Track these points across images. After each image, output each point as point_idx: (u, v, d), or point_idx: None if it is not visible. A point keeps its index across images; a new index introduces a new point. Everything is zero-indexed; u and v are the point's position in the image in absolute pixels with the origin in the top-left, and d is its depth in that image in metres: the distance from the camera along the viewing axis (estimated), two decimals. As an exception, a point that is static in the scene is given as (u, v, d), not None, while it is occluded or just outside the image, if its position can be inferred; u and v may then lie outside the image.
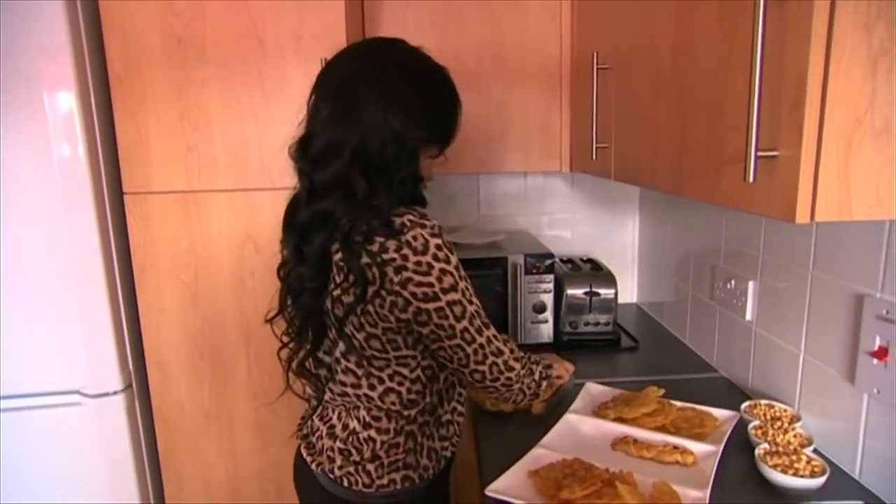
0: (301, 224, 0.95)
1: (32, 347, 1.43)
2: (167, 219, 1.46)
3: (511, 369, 0.99)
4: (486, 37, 1.61)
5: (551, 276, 1.67)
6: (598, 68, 1.32)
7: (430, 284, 0.88)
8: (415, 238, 0.87)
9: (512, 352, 1.00)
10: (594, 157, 1.36)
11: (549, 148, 1.68)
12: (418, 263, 0.87)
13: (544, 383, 1.09)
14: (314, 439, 1.07)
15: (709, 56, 0.84)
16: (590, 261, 1.88)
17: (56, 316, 1.42)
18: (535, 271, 1.66)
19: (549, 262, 1.66)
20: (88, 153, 1.38)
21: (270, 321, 1.03)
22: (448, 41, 1.60)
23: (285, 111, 1.40)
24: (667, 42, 0.98)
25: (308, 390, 1.10)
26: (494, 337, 0.96)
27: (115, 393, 1.48)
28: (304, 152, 0.94)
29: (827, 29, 0.63)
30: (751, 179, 0.67)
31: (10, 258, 1.38)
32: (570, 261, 1.89)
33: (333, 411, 1.05)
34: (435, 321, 0.90)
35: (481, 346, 0.94)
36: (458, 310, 0.90)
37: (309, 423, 1.10)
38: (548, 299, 1.68)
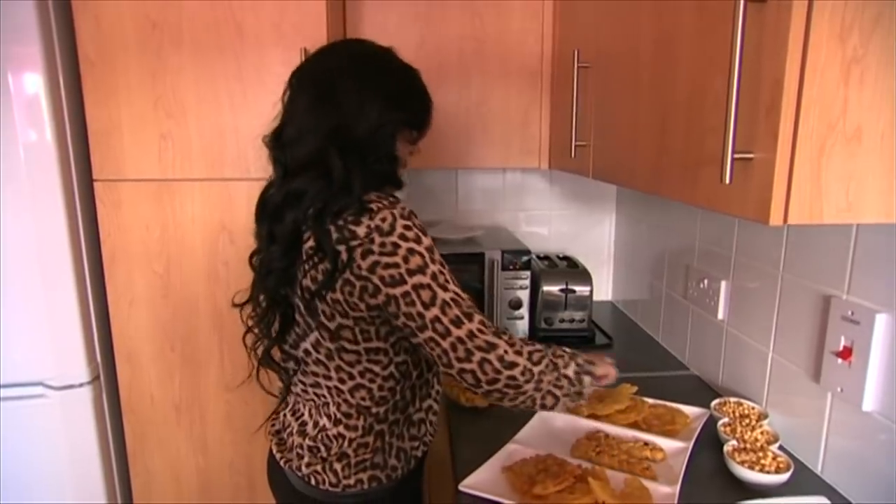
0: (273, 203, 0.94)
1: (-5, 337, 1.39)
2: (139, 207, 1.44)
3: (512, 366, 0.86)
4: (468, 31, 1.61)
5: (528, 273, 1.68)
6: (578, 66, 1.33)
7: (396, 265, 0.84)
8: (383, 220, 0.86)
9: (512, 345, 0.88)
10: (573, 154, 1.37)
11: (529, 145, 1.69)
12: (383, 245, 0.85)
13: (586, 379, 0.95)
14: (285, 435, 1.06)
15: (689, 57, 0.85)
16: (566, 258, 1.90)
17: (20, 304, 1.38)
18: (511, 267, 1.67)
19: (525, 258, 1.68)
20: (56, 138, 1.35)
21: (240, 306, 1.02)
22: (430, 34, 1.60)
23: (263, 100, 1.38)
24: (647, 42, 0.99)
25: (277, 384, 1.09)
26: (480, 330, 0.86)
27: (81, 385, 1.45)
28: (279, 139, 0.94)
29: (803, 36, 0.64)
30: (727, 181, 0.69)
31: (-28, 244, 1.34)
32: (546, 258, 1.90)
33: (305, 406, 1.04)
34: (403, 309, 0.85)
35: (460, 340, 0.85)
36: (426, 295, 0.84)
37: (281, 417, 1.09)
38: (524, 296, 1.69)
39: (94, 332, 1.47)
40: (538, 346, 0.92)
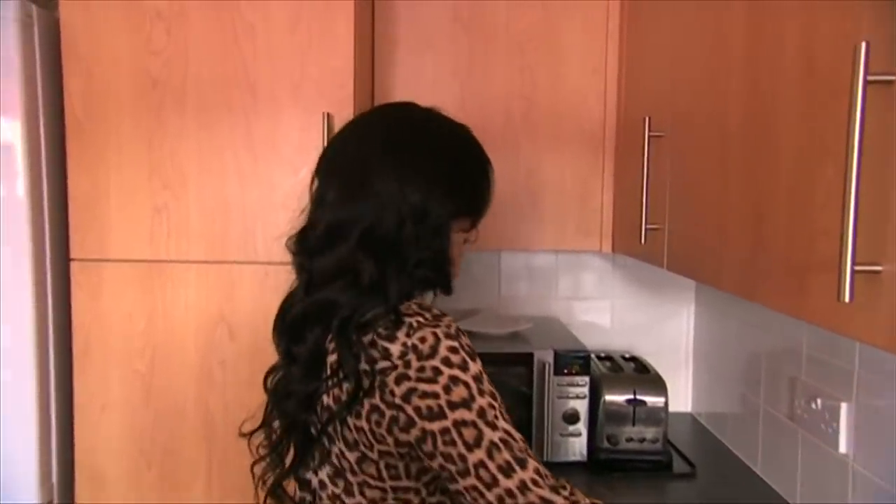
0: (293, 319, 0.96)
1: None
2: (122, 293, 1.46)
3: None
4: (516, 89, 1.66)
5: (586, 379, 1.65)
6: (650, 135, 1.35)
7: (435, 395, 0.84)
8: (422, 340, 0.87)
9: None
10: (643, 239, 1.37)
11: (588, 223, 1.69)
12: (422, 369, 0.85)
13: None
14: None
15: (791, 136, 0.85)
16: (633, 359, 1.86)
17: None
18: (566, 372, 1.64)
19: (583, 360, 1.65)
20: (31, 206, 1.38)
21: (248, 436, 1.02)
22: (471, 94, 1.65)
23: (276, 171, 1.43)
24: (737, 113, 1.00)
25: None
26: (535, 481, 0.82)
27: (28, 512, 1.41)
28: (304, 242, 0.97)
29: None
30: (846, 298, 0.67)
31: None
32: (608, 358, 1.87)
33: None
34: (441, 449, 0.84)
35: (509, 492, 0.81)
36: (469, 434, 0.83)
37: None
38: (581, 407, 1.65)
39: (52, 444, 1.45)
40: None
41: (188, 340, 1.48)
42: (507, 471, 0.82)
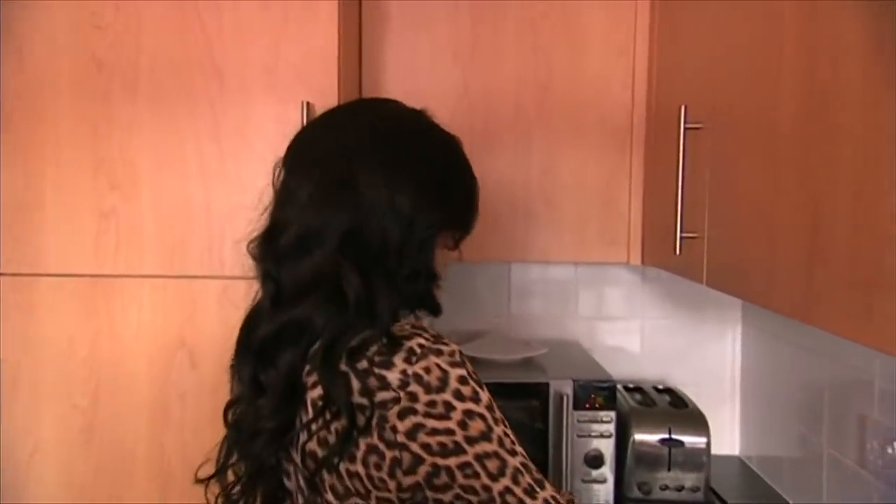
0: (262, 340, 0.96)
1: None
2: (61, 313, 1.46)
3: None
4: (528, 74, 1.66)
5: (612, 414, 1.66)
6: (686, 127, 1.35)
7: (450, 432, 0.87)
8: (427, 370, 0.88)
9: None
10: (678, 250, 1.37)
11: (613, 230, 1.70)
12: (432, 404, 0.87)
13: None
14: None
15: (854, 127, 0.84)
16: (668, 390, 1.86)
17: None
18: (588, 405, 1.65)
19: (608, 391, 1.65)
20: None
21: (205, 482, 1.02)
22: (475, 79, 1.65)
23: (247, 169, 1.42)
24: (789, 103, 1.00)
25: None
26: (555, 499, 0.91)
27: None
28: (270, 246, 0.97)
29: None
30: (923, 321, 0.67)
31: None
32: (638, 389, 1.87)
33: None
34: (461, 482, 0.88)
35: None
36: (493, 465, 0.89)
37: None
38: (606, 447, 1.66)
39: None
40: None
41: (140, 370, 1.48)
42: (532, 492, 0.89)
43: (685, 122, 1.35)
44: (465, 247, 1.13)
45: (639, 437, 1.67)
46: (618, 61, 1.67)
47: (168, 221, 1.46)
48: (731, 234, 1.22)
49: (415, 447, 0.87)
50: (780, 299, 1.02)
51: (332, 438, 0.90)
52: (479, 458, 0.88)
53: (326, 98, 1.39)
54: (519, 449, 0.92)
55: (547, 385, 1.66)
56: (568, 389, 1.65)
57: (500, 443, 0.90)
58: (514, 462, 0.90)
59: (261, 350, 0.97)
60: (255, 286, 1.03)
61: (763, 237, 1.08)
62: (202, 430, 1.34)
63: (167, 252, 1.47)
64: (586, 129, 1.68)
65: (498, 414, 0.92)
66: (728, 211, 1.23)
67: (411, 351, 0.89)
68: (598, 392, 1.65)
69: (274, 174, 1.00)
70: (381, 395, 0.88)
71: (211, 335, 1.46)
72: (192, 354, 1.48)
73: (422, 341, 0.90)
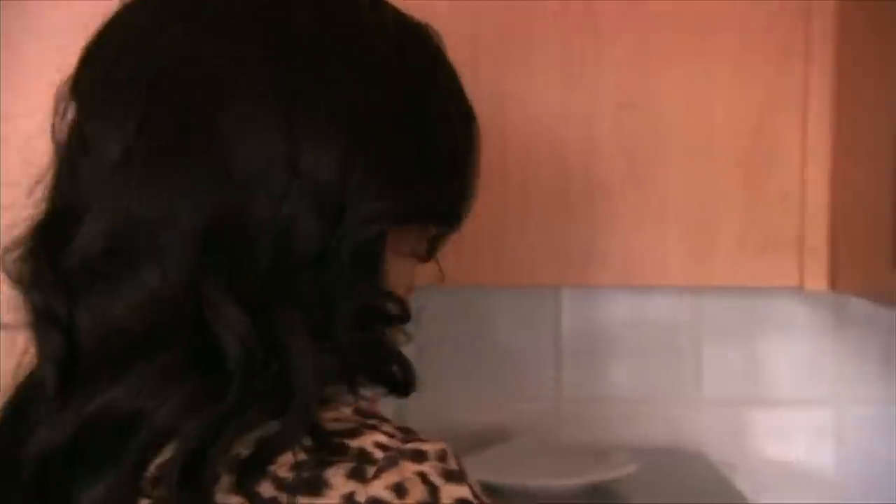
0: (44, 452, 0.59)
1: None
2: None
3: None
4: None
5: None
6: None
7: None
8: (398, 490, 0.52)
9: None
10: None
11: (773, 225, 1.03)
12: None
13: None
14: None
15: None
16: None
17: None
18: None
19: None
20: None
21: None
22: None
23: (22, 103, 1.01)
24: None
25: None
26: None
27: None
28: (51, 256, 0.59)
29: None
30: None
31: None
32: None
33: None
34: None
35: None
36: None
37: None
38: None
39: None
40: None
41: None
42: None
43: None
44: (458, 257, 0.69)
45: None
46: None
47: None
48: None
49: None
50: None
51: None
52: None
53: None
54: None
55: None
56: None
57: None
58: None
59: (40, 481, 0.59)
60: (24, 341, 0.60)
61: None
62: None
63: None
64: (713, 34, 1.02)
65: None
66: None
67: (363, 457, 0.53)
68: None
69: (56, 114, 0.59)
70: None
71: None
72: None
73: (381, 438, 0.54)
